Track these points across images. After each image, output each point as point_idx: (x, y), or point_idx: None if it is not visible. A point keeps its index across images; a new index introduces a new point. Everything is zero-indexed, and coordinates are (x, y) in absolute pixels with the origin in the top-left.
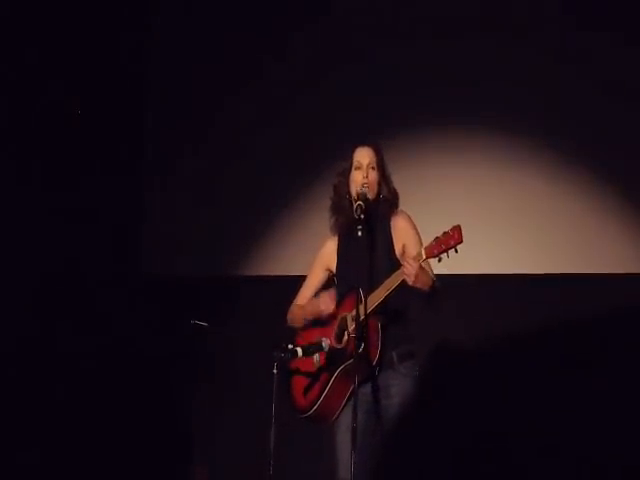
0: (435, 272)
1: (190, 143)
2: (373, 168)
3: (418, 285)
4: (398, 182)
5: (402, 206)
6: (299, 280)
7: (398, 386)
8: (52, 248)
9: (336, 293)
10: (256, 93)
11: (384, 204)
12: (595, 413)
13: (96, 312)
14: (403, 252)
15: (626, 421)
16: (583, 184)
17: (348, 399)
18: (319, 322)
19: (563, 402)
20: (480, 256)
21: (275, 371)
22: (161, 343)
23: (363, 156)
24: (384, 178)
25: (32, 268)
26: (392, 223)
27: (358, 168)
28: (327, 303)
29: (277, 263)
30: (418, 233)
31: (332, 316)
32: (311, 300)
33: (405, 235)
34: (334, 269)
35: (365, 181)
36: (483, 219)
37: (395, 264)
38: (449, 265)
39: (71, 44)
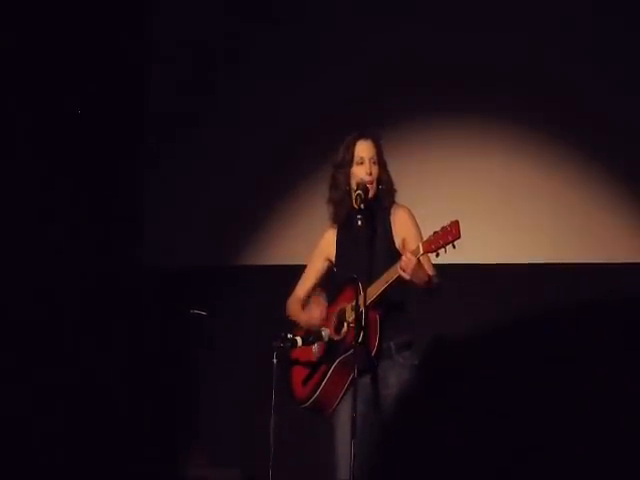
0: (433, 262)
1: (189, 132)
2: (375, 163)
3: (415, 280)
4: (396, 174)
5: (400, 197)
6: (299, 269)
7: (396, 376)
8: (51, 242)
9: (334, 283)
10: (255, 82)
11: (384, 195)
12: (598, 403)
13: (97, 305)
14: (403, 246)
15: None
16: (585, 173)
17: (347, 390)
18: None
19: (564, 392)
20: (480, 245)
21: (275, 360)
22: (162, 333)
23: (365, 150)
24: (384, 170)
25: (31, 261)
26: (392, 215)
27: (360, 163)
28: (318, 314)
29: (277, 252)
30: (418, 227)
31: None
32: (304, 311)
33: (405, 229)
34: (334, 259)
35: (369, 178)
36: (483, 208)
37: (395, 256)
38: (449, 254)
39: (67, 37)
